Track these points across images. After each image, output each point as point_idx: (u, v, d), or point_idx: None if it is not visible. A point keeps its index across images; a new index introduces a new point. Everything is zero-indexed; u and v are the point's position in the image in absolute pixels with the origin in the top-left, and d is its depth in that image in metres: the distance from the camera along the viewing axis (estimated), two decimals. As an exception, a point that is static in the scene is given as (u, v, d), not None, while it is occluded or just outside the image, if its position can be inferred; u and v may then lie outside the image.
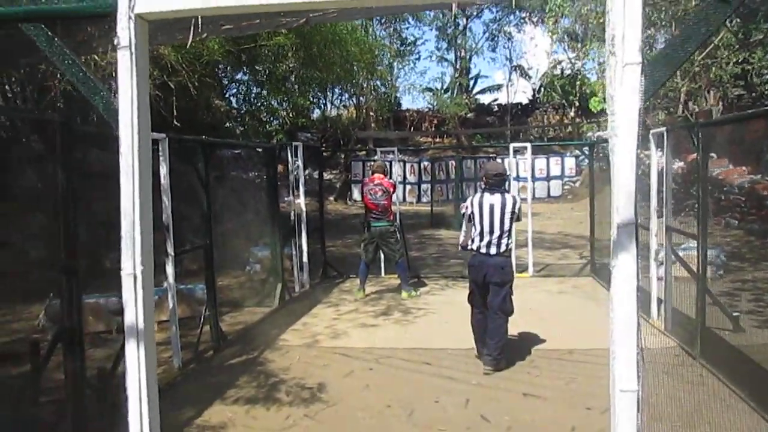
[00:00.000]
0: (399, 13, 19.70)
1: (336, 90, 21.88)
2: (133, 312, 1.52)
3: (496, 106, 36.67)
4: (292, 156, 9.18)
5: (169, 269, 5.67)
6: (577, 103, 30.89)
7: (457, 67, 34.89)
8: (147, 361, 1.53)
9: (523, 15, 32.64)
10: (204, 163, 6.47)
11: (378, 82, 23.02)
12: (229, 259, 9.85)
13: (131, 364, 1.52)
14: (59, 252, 3.81)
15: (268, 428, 4.61)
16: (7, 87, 9.50)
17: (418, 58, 36.30)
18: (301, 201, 9.37)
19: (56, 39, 1.70)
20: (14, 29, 1.84)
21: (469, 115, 33.59)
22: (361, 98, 24.98)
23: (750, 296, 7.76)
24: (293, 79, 15.08)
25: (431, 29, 34.12)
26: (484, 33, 35.35)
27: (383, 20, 26.92)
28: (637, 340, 1.38)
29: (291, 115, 17.64)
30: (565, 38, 25.65)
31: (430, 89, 33.55)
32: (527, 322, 7.15)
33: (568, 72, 31.33)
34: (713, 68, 15.86)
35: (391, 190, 8.81)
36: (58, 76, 7.40)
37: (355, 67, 15.79)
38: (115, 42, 1.47)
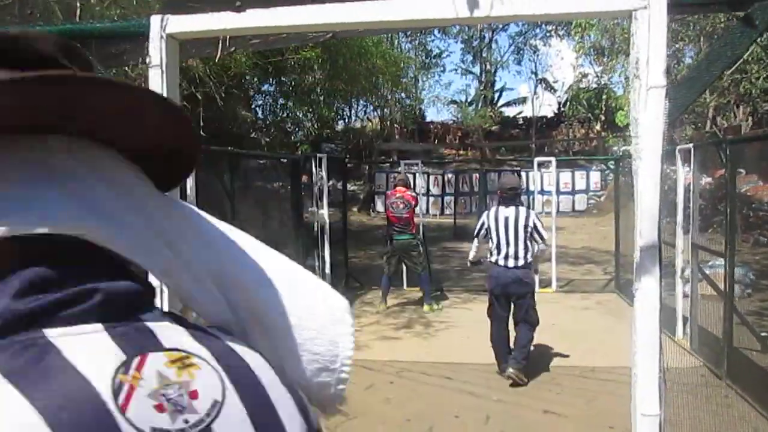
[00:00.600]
0: (425, 27, 19.80)
1: (360, 102, 22.01)
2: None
3: (520, 119, 36.56)
4: (316, 167, 9.24)
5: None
6: (602, 117, 30.65)
7: (482, 79, 34.90)
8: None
9: (549, 28, 32.58)
10: (229, 174, 6.54)
11: (402, 95, 23.11)
12: (253, 269, 9.90)
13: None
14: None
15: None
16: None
17: (443, 71, 36.52)
18: (325, 212, 9.42)
19: (91, 58, 1.73)
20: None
21: (493, 127, 33.53)
22: (385, 110, 25.10)
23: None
24: (318, 91, 15.21)
25: (456, 42, 34.26)
26: (510, 46, 35.45)
27: (409, 33, 27.06)
28: (659, 363, 1.37)
29: (316, 126, 17.79)
30: (591, 52, 25.53)
31: (454, 101, 33.65)
32: (550, 338, 7.09)
33: (594, 85, 31.13)
34: (743, 83, 15.66)
35: (414, 203, 8.79)
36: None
37: (380, 80, 15.90)
38: (147, 61, 1.51)
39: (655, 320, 1.37)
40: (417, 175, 11.63)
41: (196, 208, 0.76)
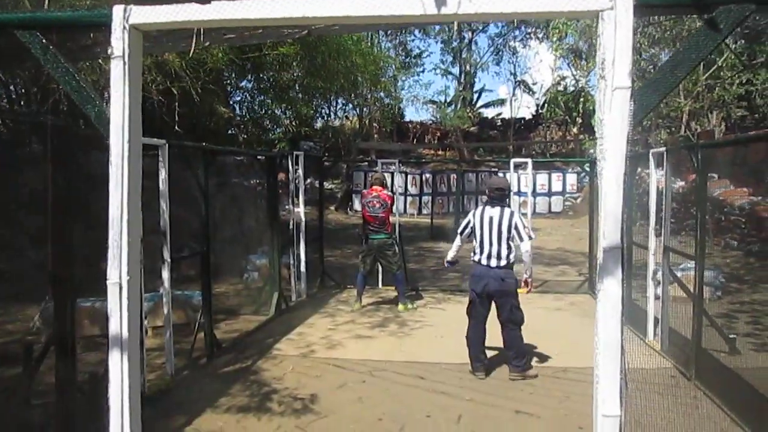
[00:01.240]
0: (400, 27, 19.80)
1: (339, 100, 21.94)
2: (118, 322, 1.51)
3: (499, 121, 36.75)
4: (293, 165, 9.18)
5: (165, 275, 5.66)
6: (580, 120, 30.93)
7: (462, 80, 35.04)
8: (130, 372, 1.52)
9: (529, 30, 32.81)
10: (204, 170, 6.47)
11: (382, 94, 23.08)
12: (227, 266, 9.83)
13: (114, 374, 1.51)
14: (54, 255, 3.81)
15: (258, 438, 4.59)
16: (12, 88, 9.53)
17: (423, 71, 36.58)
18: (301, 210, 9.37)
19: (51, 47, 1.70)
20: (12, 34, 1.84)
21: (472, 128, 33.66)
22: (364, 109, 25.06)
23: (748, 318, 7.73)
24: (297, 88, 15.13)
25: (436, 42, 34.33)
26: (489, 47, 35.55)
27: (389, 32, 27.08)
28: (621, 364, 1.37)
29: (294, 123, 17.69)
30: (569, 55, 25.75)
31: (433, 102, 33.69)
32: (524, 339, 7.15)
33: (571, 88, 31.41)
34: (716, 89, 15.91)
35: (389, 202, 8.77)
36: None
37: (359, 78, 15.84)
38: (109, 52, 1.47)
39: (617, 321, 1.37)
40: (395, 174, 11.61)
41: None
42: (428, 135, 34.14)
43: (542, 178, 23.19)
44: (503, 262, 5.80)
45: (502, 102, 36.09)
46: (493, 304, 5.93)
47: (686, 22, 11.79)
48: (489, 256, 5.82)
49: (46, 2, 5.66)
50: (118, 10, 1.46)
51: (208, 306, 6.56)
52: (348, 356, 6.59)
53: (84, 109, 1.69)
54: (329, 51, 12.56)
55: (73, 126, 4.01)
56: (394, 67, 23.72)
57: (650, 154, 6.86)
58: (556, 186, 24.27)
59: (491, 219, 5.85)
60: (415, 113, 63.77)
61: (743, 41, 15.78)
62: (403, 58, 28.91)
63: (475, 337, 5.97)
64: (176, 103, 9.62)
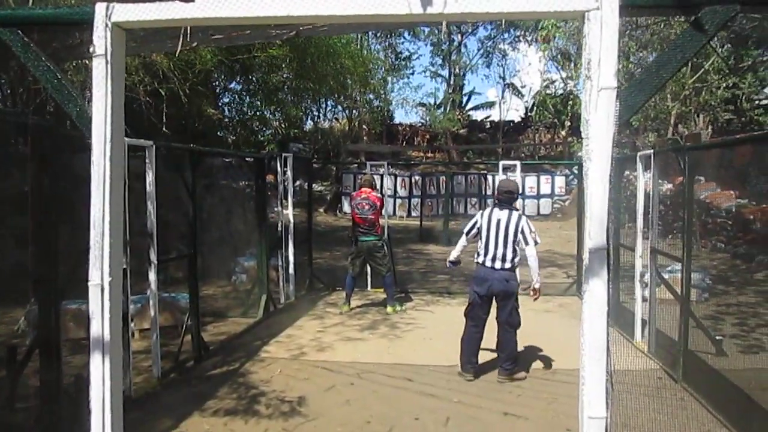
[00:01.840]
0: (389, 29, 19.80)
1: (329, 102, 21.92)
2: (99, 324, 1.49)
3: (488, 123, 36.86)
4: (281, 166, 9.15)
5: (152, 277, 5.61)
6: (568, 123, 31.07)
7: (451, 83, 35.08)
8: (112, 374, 1.50)
9: (518, 33, 32.93)
10: (191, 171, 6.43)
11: (371, 96, 23.08)
12: (215, 268, 9.79)
13: (95, 377, 1.49)
14: (38, 257, 3.77)
15: (245, 442, 4.56)
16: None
17: (412, 73, 36.61)
18: (290, 212, 9.34)
19: (32, 45, 1.68)
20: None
21: (461, 131, 33.72)
22: (353, 111, 25.04)
23: (734, 320, 7.77)
24: (286, 90, 15.09)
25: (426, 44, 34.37)
26: (479, 50, 35.62)
27: (378, 34, 27.09)
28: (607, 366, 1.36)
29: (283, 125, 17.64)
30: (558, 57, 25.87)
31: (423, 104, 33.73)
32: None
33: (560, 91, 31.56)
34: (703, 92, 16.03)
35: (379, 204, 8.73)
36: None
37: (348, 80, 15.83)
38: (91, 50, 1.45)
39: (602, 322, 1.37)
40: (384, 176, 11.59)
41: None
42: (417, 137, 34.18)
43: (531, 180, 23.09)
44: (507, 265, 5.78)
45: (491, 105, 36.24)
46: (493, 305, 5.93)
47: (674, 26, 11.86)
48: (494, 259, 5.79)
49: (30, 1, 5.61)
50: (100, 8, 1.44)
51: (196, 308, 6.51)
52: (336, 358, 6.56)
53: (65, 108, 1.67)
54: (318, 53, 12.54)
55: (58, 126, 3.97)
56: (383, 69, 23.73)
57: (638, 157, 6.89)
58: (545, 188, 24.21)
59: (498, 221, 5.82)
60: (404, 115, 63.91)
61: (730, 45, 15.92)
62: (393, 60, 28.91)
63: (471, 341, 5.97)
64: (164, 105, 9.57)
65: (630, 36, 13.29)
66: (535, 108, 33.81)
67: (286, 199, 9.27)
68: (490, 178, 22.29)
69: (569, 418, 4.90)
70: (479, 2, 1.36)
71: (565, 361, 6.36)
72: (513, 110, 37.50)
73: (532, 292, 5.93)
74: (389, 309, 8.67)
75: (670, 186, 14.44)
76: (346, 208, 25.11)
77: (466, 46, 37.06)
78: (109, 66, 1.46)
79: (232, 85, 15.10)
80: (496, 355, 6.10)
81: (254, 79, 14.06)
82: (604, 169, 1.33)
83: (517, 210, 5.99)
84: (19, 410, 4.38)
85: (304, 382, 5.81)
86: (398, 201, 23.92)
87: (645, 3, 1.70)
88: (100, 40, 1.46)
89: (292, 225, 9.40)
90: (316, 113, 23.05)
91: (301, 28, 3.72)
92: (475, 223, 6.04)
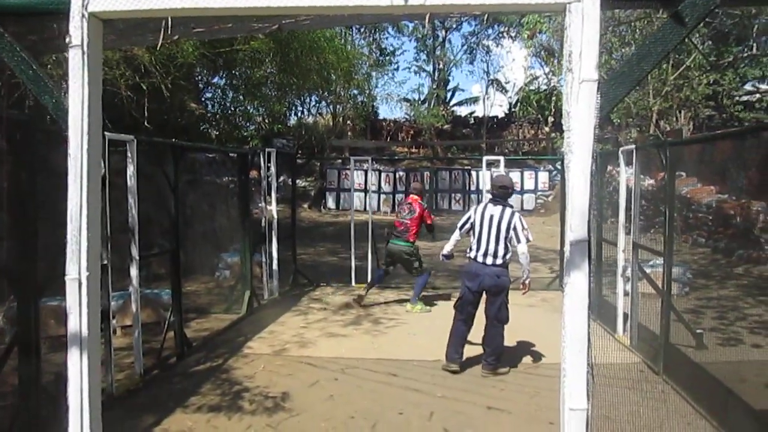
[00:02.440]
0: (374, 23, 19.74)
1: (313, 97, 21.82)
2: (77, 319, 1.47)
3: (472, 119, 36.89)
4: (265, 162, 9.11)
5: (134, 272, 5.56)
6: (552, 119, 31.21)
7: (435, 78, 35.08)
8: (90, 371, 1.48)
9: (502, 29, 32.99)
10: (173, 166, 6.37)
11: (355, 91, 23.02)
12: (198, 264, 9.72)
13: (73, 374, 1.47)
14: (15, 253, 3.71)
15: (228, 438, 4.54)
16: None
17: (397, 68, 36.51)
18: (273, 208, 9.30)
19: (6, 34, 1.64)
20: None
21: (445, 126, 33.74)
22: (337, 106, 24.97)
23: (714, 314, 7.86)
24: (270, 85, 14.99)
25: (410, 40, 34.32)
26: (463, 46, 35.63)
27: (362, 29, 27.00)
28: (588, 358, 1.37)
29: (267, 120, 17.55)
30: (542, 53, 25.94)
31: (407, 99, 33.69)
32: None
33: (543, 87, 31.66)
34: (684, 89, 16.18)
35: (418, 211, 8.57)
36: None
37: (332, 75, 15.77)
38: (67, 41, 1.42)
39: (583, 315, 1.37)
40: (368, 172, 11.57)
41: None
42: (402, 133, 34.15)
43: (515, 176, 23.36)
44: (499, 261, 5.80)
45: (475, 100, 36.24)
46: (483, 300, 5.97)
47: (656, 23, 11.95)
48: (485, 254, 5.82)
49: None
50: (76, -2, 1.42)
51: (179, 304, 6.47)
52: (320, 354, 6.56)
53: (41, 99, 1.64)
54: (302, 47, 12.47)
55: (36, 120, 3.91)
56: (367, 64, 23.68)
57: (620, 152, 6.94)
58: (529, 184, 24.51)
59: (491, 217, 5.84)
60: (388, 111, 63.80)
61: (710, 42, 16.08)
62: (377, 55, 28.85)
63: (458, 333, 6.00)
64: (146, 99, 9.47)
65: (612, 32, 13.38)
66: (518, 104, 33.90)
67: (270, 194, 9.23)
68: (474, 173, 22.48)
69: (552, 411, 4.92)
70: (461, -6, 1.35)
71: (547, 355, 6.41)
72: (497, 106, 37.51)
73: (522, 287, 5.98)
74: (408, 306, 8.70)
75: (651, 181, 14.56)
76: (330, 203, 25.19)
77: (450, 42, 37.01)
78: (85, 57, 1.44)
79: (214, 80, 14.97)
80: (481, 349, 6.12)
81: (237, 73, 13.95)
82: (586, 161, 1.33)
83: (511, 206, 6.01)
84: (-2, 408, 4.33)
85: (288, 378, 5.80)
86: (383, 197, 24.08)
87: (626, -5, 1.71)
88: (77, 30, 1.43)
89: (275, 221, 9.37)
90: (299, 108, 22.97)
91: (283, 22, 3.69)
92: (469, 218, 6.07)
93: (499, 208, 5.88)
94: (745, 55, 14.27)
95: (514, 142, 33.09)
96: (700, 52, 14.06)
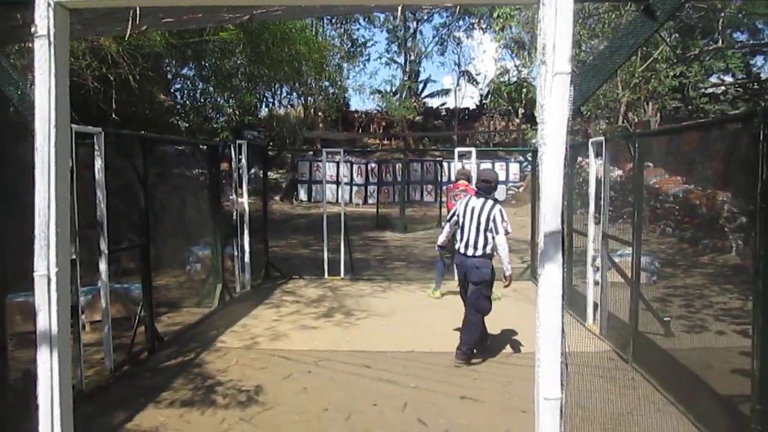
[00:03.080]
0: (346, 14, 19.64)
1: (284, 89, 21.66)
2: (46, 316, 1.44)
3: (444, 111, 37.02)
4: (236, 154, 9.02)
5: (103, 267, 5.47)
6: (522, 110, 31.49)
7: (407, 70, 35.06)
8: (61, 370, 1.45)
9: (473, 21, 33.10)
10: (143, 159, 6.28)
11: (327, 83, 22.91)
12: (169, 257, 9.60)
13: (43, 373, 1.44)
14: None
15: (201, 433, 4.51)
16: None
17: (368, 60, 36.43)
18: (244, 200, 9.23)
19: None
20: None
21: (417, 118, 33.79)
22: (309, 98, 24.83)
23: (681, 302, 8.02)
24: (240, 76, 14.84)
25: (381, 31, 34.24)
26: (434, 37, 35.64)
27: (333, 21, 26.87)
28: (561, 347, 1.39)
29: (237, 112, 17.38)
30: (512, 45, 26.13)
31: (379, 91, 33.66)
32: (468, 326, 7.23)
33: (514, 79, 31.91)
34: (652, 80, 16.41)
35: None
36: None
37: (303, 66, 15.66)
38: (32, 30, 1.39)
39: (557, 305, 1.39)
40: (340, 164, 11.54)
41: None
42: (373, 124, 34.13)
43: (486, 167, 23.50)
44: (479, 252, 5.94)
45: (446, 92, 36.34)
46: None
47: (624, 15, 12.10)
48: (467, 245, 5.98)
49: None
50: (41, -14, 1.38)
51: (149, 299, 6.39)
52: (293, 347, 6.54)
53: (5, 90, 1.60)
54: (273, 38, 12.35)
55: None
56: (339, 55, 23.57)
57: (590, 143, 7.02)
58: (500, 175, 24.66)
59: (473, 209, 6.00)
60: (360, 103, 63.68)
61: (677, 35, 16.32)
62: (348, 46, 28.73)
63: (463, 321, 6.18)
64: (113, 91, 9.29)
65: (582, 25, 13.50)
66: (489, 95, 34.13)
67: (241, 187, 9.16)
68: (445, 165, 22.56)
69: (524, 400, 4.99)
70: (435, -14, 1.34)
71: (520, 344, 6.49)
72: (468, 98, 37.66)
73: (504, 279, 6.07)
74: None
75: (619, 172, 14.77)
76: (303, 195, 25.05)
77: (421, 33, 37.02)
78: (52, 47, 1.40)
79: (184, 71, 14.76)
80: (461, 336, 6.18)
81: (207, 64, 13.77)
82: (559, 152, 1.34)
83: (494, 199, 6.13)
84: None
85: (261, 371, 5.78)
86: (354, 188, 24.05)
87: (598, -11, 1.72)
88: (42, 19, 1.39)
89: (247, 213, 9.30)
90: (270, 100, 22.80)
91: (254, 12, 3.65)
92: (455, 211, 6.30)
93: (481, 200, 6.04)
94: (711, 48, 14.52)
95: (485, 133, 33.29)
96: (668, 44, 14.27)
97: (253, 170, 11.43)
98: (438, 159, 23.75)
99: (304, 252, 13.08)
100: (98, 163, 5.35)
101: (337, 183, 19.19)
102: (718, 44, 13.96)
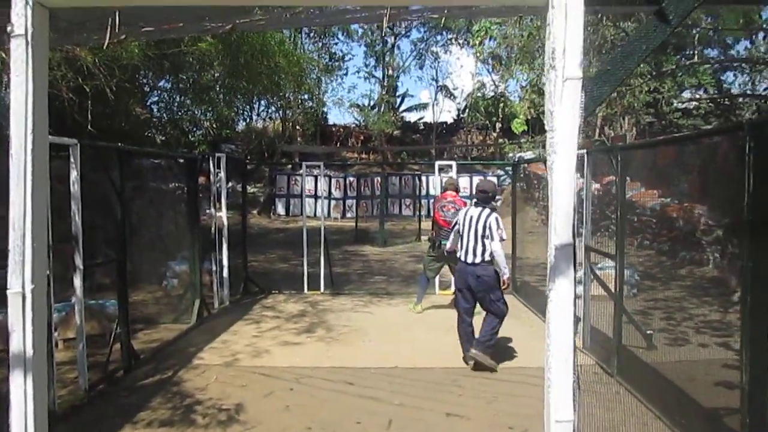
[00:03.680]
0: (331, 25, 19.60)
1: (262, 102, 21.53)
2: (21, 337, 1.33)
3: (421, 125, 37.14)
4: (214, 167, 8.89)
5: (77, 283, 5.30)
6: (499, 125, 31.73)
7: (385, 84, 35.16)
8: (35, 393, 1.34)
9: (450, 36, 33.34)
10: (119, 172, 6.13)
11: (305, 96, 22.84)
12: (145, 273, 9.40)
13: (16, 397, 1.33)
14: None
15: (180, 454, 4.36)
16: None
17: (346, 74, 36.45)
18: (223, 214, 9.09)
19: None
20: None
21: (395, 132, 33.87)
22: (287, 111, 24.73)
23: (662, 315, 8.03)
24: (218, 89, 14.69)
25: (360, 45, 34.35)
26: (412, 52, 35.79)
27: (312, 34, 26.89)
28: (573, 367, 1.32)
29: (215, 125, 17.20)
30: (489, 60, 26.34)
31: (357, 105, 33.70)
32: (450, 341, 7.14)
33: (491, 94, 32.18)
34: (627, 96, 16.62)
35: (463, 207, 8.68)
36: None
37: (282, 80, 15.56)
38: (9, 30, 1.30)
39: (569, 323, 1.32)
40: (319, 178, 11.44)
41: None
42: (352, 138, 34.12)
43: (464, 181, 23.55)
44: (478, 259, 6.17)
45: (424, 106, 36.48)
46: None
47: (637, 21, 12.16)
48: (467, 253, 6.23)
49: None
50: (19, -17, 1.29)
51: (125, 315, 6.22)
52: (274, 364, 6.40)
53: (-21, 95, 1.50)
54: (252, 51, 12.25)
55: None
56: (317, 69, 23.53)
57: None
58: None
59: (471, 218, 6.29)
60: (339, 116, 63.71)
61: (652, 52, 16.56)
62: (327, 60, 28.74)
63: (462, 330, 6.40)
64: (89, 102, 9.11)
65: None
66: (467, 110, 34.34)
67: (219, 200, 9.02)
68: (424, 178, 22.56)
69: (510, 416, 4.93)
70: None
71: (502, 359, 6.44)
72: (446, 112, 37.94)
73: (502, 284, 6.29)
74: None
75: (597, 185, 14.87)
76: (280, 209, 24.87)
77: (399, 48, 37.17)
78: (29, 48, 1.31)
79: (161, 83, 14.55)
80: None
81: (185, 77, 13.60)
82: (570, 161, 1.28)
83: (492, 208, 6.41)
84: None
85: (242, 389, 5.63)
86: (333, 202, 23.94)
87: (609, -9, 1.69)
88: (20, 18, 1.30)
89: (225, 227, 9.16)
90: (249, 113, 22.63)
91: (237, 21, 3.56)
92: (457, 220, 6.59)
93: (479, 209, 6.34)
94: (686, 63, 14.74)
95: (463, 147, 33.44)
96: (642, 60, 14.45)
97: (231, 184, 11.29)
98: (416, 173, 23.77)
99: (283, 266, 12.93)
100: (74, 175, 5.21)
101: (316, 197, 19.07)
102: (694, 59, 14.18)
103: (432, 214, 9.24)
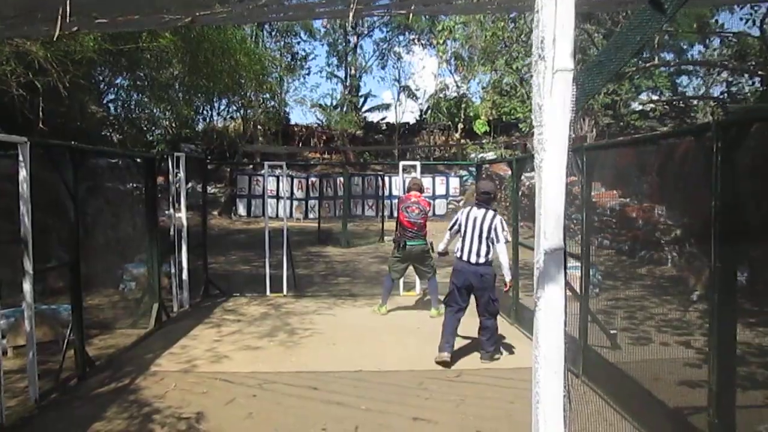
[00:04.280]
0: (294, 20, 19.37)
1: (223, 101, 21.17)
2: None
3: (384, 125, 37.08)
4: (173, 167, 8.64)
5: (27, 287, 5.05)
6: (461, 125, 31.90)
7: (347, 84, 35.02)
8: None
9: (412, 37, 33.40)
10: (73, 172, 5.88)
11: (267, 95, 22.55)
12: (101, 276, 9.09)
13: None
14: None
15: (137, 466, 4.17)
16: None
17: (308, 73, 36.18)
18: (182, 215, 8.84)
19: None
20: None
21: (358, 132, 33.74)
22: (248, 111, 24.40)
23: (624, 314, 8.10)
24: (177, 87, 14.36)
25: (322, 44, 34.17)
26: (374, 52, 35.75)
27: (273, 32, 26.59)
28: (564, 380, 1.23)
29: (174, 125, 16.84)
30: (452, 61, 26.43)
31: (320, 105, 33.49)
32: (415, 342, 7.10)
33: (453, 95, 32.34)
34: (587, 97, 16.86)
35: (428, 208, 8.66)
36: None
37: (243, 78, 15.31)
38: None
39: (559, 333, 1.23)
40: (281, 178, 11.26)
41: None
42: (314, 138, 33.85)
43: (427, 181, 23.58)
44: (482, 260, 6.34)
45: (387, 107, 36.42)
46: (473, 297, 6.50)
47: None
48: (470, 253, 6.36)
49: None
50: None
51: (79, 320, 5.96)
52: (235, 369, 6.21)
53: None
54: (213, 48, 12.00)
55: None
56: (279, 68, 23.27)
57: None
58: (440, 189, 24.77)
59: (475, 219, 6.41)
60: (300, 116, 63.34)
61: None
62: (289, 59, 28.47)
63: (449, 324, 6.45)
64: (40, 99, 8.76)
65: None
66: (429, 111, 34.44)
67: (179, 201, 8.77)
68: (387, 179, 22.50)
69: (478, 419, 4.88)
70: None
71: (469, 361, 6.41)
72: (408, 112, 37.96)
73: (504, 285, 6.51)
74: (433, 312, 8.50)
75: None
76: (241, 210, 24.53)
77: (362, 48, 37.07)
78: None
79: (118, 81, 14.16)
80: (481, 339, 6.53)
81: (142, 74, 13.25)
82: (561, 158, 1.20)
83: (494, 210, 6.56)
84: None
85: (202, 396, 5.44)
86: (295, 203, 23.70)
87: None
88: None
89: (185, 229, 8.91)
90: (209, 112, 22.24)
91: (197, 14, 3.41)
92: (457, 220, 6.66)
93: (483, 211, 6.46)
94: (643, 66, 14.98)
95: (425, 148, 33.51)
96: (639, 52, 14.64)
97: (190, 184, 11.02)
98: (379, 173, 23.69)
99: (244, 268, 12.70)
100: (22, 175, 4.96)
101: (278, 197, 18.82)
102: (654, 61, 14.43)
103: (396, 215, 9.15)
